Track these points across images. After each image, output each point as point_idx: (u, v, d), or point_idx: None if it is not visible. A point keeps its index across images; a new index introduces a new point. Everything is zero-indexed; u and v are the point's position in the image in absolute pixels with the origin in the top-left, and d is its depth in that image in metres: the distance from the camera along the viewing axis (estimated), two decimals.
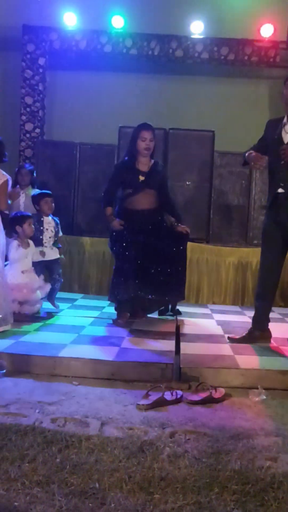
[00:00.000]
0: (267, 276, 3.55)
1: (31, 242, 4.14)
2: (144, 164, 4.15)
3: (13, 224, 4.06)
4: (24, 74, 6.50)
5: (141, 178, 4.09)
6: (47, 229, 4.35)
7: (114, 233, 4.10)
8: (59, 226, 4.49)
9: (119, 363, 3.01)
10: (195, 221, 5.69)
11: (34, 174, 5.37)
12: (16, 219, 4.09)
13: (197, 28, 6.36)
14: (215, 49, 6.40)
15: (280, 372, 2.96)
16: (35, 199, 4.50)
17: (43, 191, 4.62)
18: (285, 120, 3.38)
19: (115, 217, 4.14)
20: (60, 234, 4.54)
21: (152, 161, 4.21)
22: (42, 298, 4.16)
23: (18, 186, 5.23)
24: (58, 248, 4.48)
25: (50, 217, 4.40)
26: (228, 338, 3.66)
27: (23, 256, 4.02)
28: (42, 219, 4.35)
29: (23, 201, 5.12)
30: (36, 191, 5.31)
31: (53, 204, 4.47)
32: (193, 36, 6.39)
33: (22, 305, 3.91)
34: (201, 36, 6.39)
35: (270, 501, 1.72)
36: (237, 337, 3.62)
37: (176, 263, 4.10)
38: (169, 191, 4.39)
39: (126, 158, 4.19)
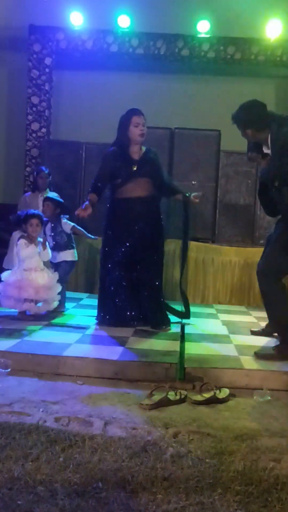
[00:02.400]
0: None
1: (40, 241, 4.13)
2: (135, 152, 3.88)
3: (20, 223, 4.11)
4: (30, 73, 6.52)
5: (134, 168, 3.84)
6: (49, 236, 4.36)
7: (106, 248, 3.96)
8: (64, 223, 4.41)
9: (123, 363, 3.01)
10: (201, 220, 5.69)
11: (50, 177, 5.39)
12: (21, 218, 4.11)
13: (203, 27, 6.35)
14: (222, 48, 6.39)
15: (284, 373, 2.95)
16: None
17: (47, 195, 4.59)
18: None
19: (107, 209, 3.97)
20: (69, 227, 4.40)
21: (144, 148, 3.96)
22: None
23: (36, 190, 5.25)
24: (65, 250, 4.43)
25: (50, 224, 4.37)
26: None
27: (27, 255, 4.03)
28: (46, 226, 4.34)
29: (41, 204, 5.14)
30: (53, 194, 5.32)
31: (52, 208, 4.38)
32: (199, 35, 6.38)
33: (26, 303, 3.93)
34: (208, 35, 6.38)
35: (273, 502, 1.71)
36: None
37: (149, 280, 3.91)
38: (164, 175, 4.10)
39: (114, 147, 3.92)
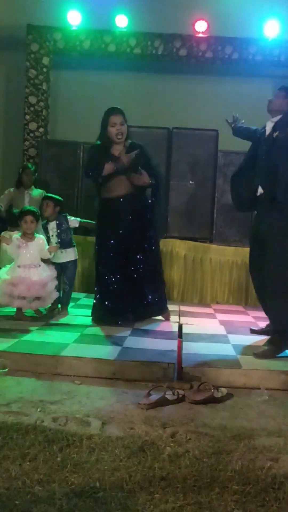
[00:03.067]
0: None
1: (39, 237, 4.13)
2: (117, 150, 3.88)
3: (16, 219, 4.18)
4: (28, 73, 6.52)
5: (114, 166, 3.81)
6: (52, 235, 4.35)
7: (97, 247, 4.03)
8: (68, 218, 4.41)
9: (121, 363, 3.01)
10: (199, 220, 5.70)
11: (36, 175, 5.40)
12: (16, 215, 4.20)
13: (201, 27, 6.36)
14: (219, 48, 6.40)
15: (282, 373, 2.95)
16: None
17: (45, 195, 4.59)
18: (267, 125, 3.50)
19: (97, 209, 4.02)
20: (76, 222, 4.39)
21: (128, 143, 3.92)
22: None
23: (22, 186, 5.26)
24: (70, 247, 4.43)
25: (53, 222, 4.36)
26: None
27: (21, 252, 4.04)
28: (47, 225, 4.34)
29: (27, 201, 5.15)
30: (38, 190, 5.34)
31: (52, 207, 4.39)
32: (197, 35, 6.39)
33: (18, 299, 3.94)
34: (205, 35, 6.38)
35: (271, 502, 1.72)
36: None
37: (153, 275, 4.02)
38: (153, 171, 3.98)
39: (98, 145, 3.94)
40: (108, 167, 3.82)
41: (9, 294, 3.92)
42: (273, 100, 3.52)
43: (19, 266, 4.00)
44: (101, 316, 3.97)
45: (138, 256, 3.94)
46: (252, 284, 3.88)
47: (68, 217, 4.39)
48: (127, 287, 3.93)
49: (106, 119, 3.83)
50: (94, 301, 4.06)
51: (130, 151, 3.88)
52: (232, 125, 3.90)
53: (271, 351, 3.26)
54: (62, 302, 4.33)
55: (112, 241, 3.92)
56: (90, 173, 3.95)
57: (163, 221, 5.66)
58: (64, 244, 4.32)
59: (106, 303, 3.94)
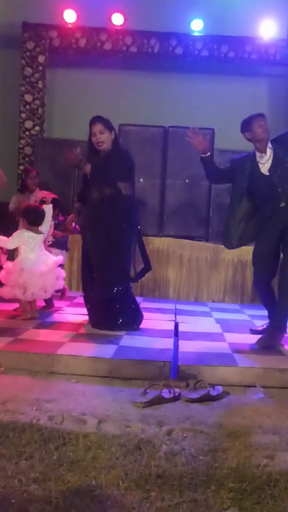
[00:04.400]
0: None
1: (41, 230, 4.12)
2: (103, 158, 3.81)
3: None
4: (23, 71, 6.50)
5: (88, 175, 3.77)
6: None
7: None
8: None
9: (117, 361, 3.01)
10: (195, 219, 5.70)
11: (38, 177, 5.38)
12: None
13: (197, 26, 6.36)
14: (215, 47, 6.40)
15: (277, 370, 2.96)
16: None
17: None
18: (258, 155, 3.58)
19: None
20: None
21: (109, 151, 3.80)
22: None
23: (27, 190, 5.22)
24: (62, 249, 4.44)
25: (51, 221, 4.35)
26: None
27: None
28: None
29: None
30: (43, 193, 5.31)
31: (56, 210, 4.40)
32: (193, 34, 6.39)
33: (15, 289, 3.91)
34: (201, 34, 6.38)
35: (266, 499, 1.72)
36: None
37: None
38: (112, 179, 3.75)
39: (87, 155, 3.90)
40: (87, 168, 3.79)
41: (13, 285, 3.89)
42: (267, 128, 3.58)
43: (20, 256, 4.00)
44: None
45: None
46: (259, 293, 3.87)
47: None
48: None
49: (89, 129, 3.84)
50: None
51: (108, 157, 3.80)
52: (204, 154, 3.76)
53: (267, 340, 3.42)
54: (46, 301, 4.33)
55: (84, 246, 3.92)
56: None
57: (158, 219, 5.67)
58: (58, 244, 4.33)
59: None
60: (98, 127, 3.80)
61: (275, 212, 3.57)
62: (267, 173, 3.56)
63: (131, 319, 3.82)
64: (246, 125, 3.60)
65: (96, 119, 3.83)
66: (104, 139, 3.79)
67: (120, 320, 3.76)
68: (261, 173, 3.58)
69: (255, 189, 3.63)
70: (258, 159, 3.60)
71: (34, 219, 3.97)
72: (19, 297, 3.92)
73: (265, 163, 3.57)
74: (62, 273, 4.12)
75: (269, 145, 3.57)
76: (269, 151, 3.56)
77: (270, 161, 3.55)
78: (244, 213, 3.67)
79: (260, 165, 3.58)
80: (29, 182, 5.20)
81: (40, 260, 3.94)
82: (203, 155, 3.74)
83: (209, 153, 3.74)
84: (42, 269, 3.90)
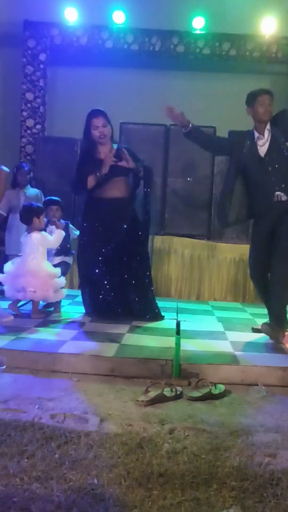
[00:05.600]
0: None
1: (44, 233, 4.13)
2: (103, 153, 3.91)
3: (30, 215, 4.05)
4: (25, 70, 6.49)
5: (104, 170, 3.84)
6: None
7: (81, 241, 4.04)
8: (70, 229, 4.46)
9: (118, 360, 3.00)
10: (196, 217, 5.70)
11: (32, 174, 5.38)
12: (33, 210, 4.08)
13: (198, 24, 6.34)
14: (217, 45, 6.39)
15: (280, 369, 2.96)
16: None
17: (51, 198, 4.54)
18: (256, 136, 3.52)
19: (84, 207, 4.05)
20: (75, 236, 4.46)
21: (115, 147, 3.95)
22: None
23: (17, 186, 5.23)
24: (72, 254, 4.45)
25: (53, 227, 4.33)
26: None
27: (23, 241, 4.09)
28: (45, 229, 4.32)
29: (23, 200, 5.13)
30: (35, 190, 5.34)
31: (60, 212, 4.41)
32: (194, 32, 6.37)
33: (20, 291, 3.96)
34: (203, 32, 6.37)
35: (268, 498, 1.72)
36: None
37: (139, 276, 3.98)
38: (141, 163, 3.97)
39: (83, 149, 3.99)
40: (91, 181, 3.86)
41: (11, 285, 3.93)
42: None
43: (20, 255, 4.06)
44: (88, 310, 4.05)
45: (124, 258, 3.93)
46: (256, 286, 3.88)
47: (70, 226, 4.41)
48: (111, 284, 3.93)
49: (89, 122, 3.86)
50: (82, 295, 4.13)
51: (115, 156, 3.88)
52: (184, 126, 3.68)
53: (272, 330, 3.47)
54: (53, 304, 4.33)
55: (96, 240, 3.93)
56: (77, 191, 4.10)
57: (160, 218, 5.67)
58: (61, 251, 4.32)
59: (93, 295, 4.00)
60: (101, 120, 3.82)
61: (269, 210, 3.52)
62: (262, 156, 3.48)
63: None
64: (250, 100, 3.51)
65: (99, 112, 3.86)
66: (107, 133, 3.82)
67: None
68: (258, 154, 3.49)
69: (250, 170, 3.54)
70: (256, 139, 3.52)
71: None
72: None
73: (262, 146, 3.48)
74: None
75: (268, 127, 3.49)
76: (267, 133, 3.48)
77: (267, 144, 3.47)
78: (239, 190, 3.58)
79: (258, 147, 3.50)
80: (19, 178, 5.21)
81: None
82: (184, 131, 3.66)
83: (190, 126, 3.63)
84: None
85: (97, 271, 3.90)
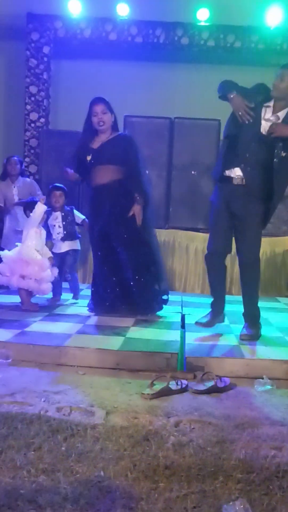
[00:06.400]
0: None
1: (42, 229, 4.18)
2: (100, 141, 3.88)
3: (26, 209, 4.24)
4: (28, 63, 6.47)
5: (88, 157, 3.85)
6: (54, 226, 4.37)
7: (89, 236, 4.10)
8: (75, 214, 4.47)
9: (124, 353, 3.01)
10: (201, 210, 5.67)
11: (23, 165, 5.39)
12: (29, 205, 4.23)
13: (203, 15, 6.28)
14: (221, 37, 6.33)
15: (285, 362, 2.96)
16: (47, 192, 4.53)
17: (55, 184, 4.56)
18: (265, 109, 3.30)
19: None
20: (81, 218, 4.47)
21: (116, 134, 3.92)
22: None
23: (8, 177, 5.23)
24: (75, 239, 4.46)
25: (58, 212, 4.38)
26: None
27: (38, 235, 4.11)
28: (50, 214, 4.37)
29: (15, 192, 5.14)
30: (26, 179, 5.37)
31: (64, 198, 4.45)
32: (199, 24, 6.32)
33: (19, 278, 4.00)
34: (207, 23, 6.31)
35: (274, 490, 1.72)
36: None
37: (138, 269, 3.89)
38: (136, 164, 3.88)
39: (82, 136, 3.98)
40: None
41: (9, 272, 3.99)
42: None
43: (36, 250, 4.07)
44: (94, 303, 4.03)
45: (119, 248, 3.89)
46: (213, 274, 3.70)
47: (75, 210, 4.43)
48: (112, 276, 3.93)
49: (89, 109, 3.89)
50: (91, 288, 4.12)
51: (110, 143, 3.87)
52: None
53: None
54: (72, 291, 4.39)
55: (95, 231, 3.95)
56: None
57: (164, 211, 5.65)
58: (68, 235, 4.35)
59: (99, 289, 3.99)
60: (100, 107, 3.84)
61: (231, 195, 3.36)
62: (258, 131, 3.25)
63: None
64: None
65: (99, 99, 3.89)
66: (106, 120, 3.83)
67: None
68: (257, 127, 3.26)
69: (239, 134, 3.32)
70: (264, 111, 3.28)
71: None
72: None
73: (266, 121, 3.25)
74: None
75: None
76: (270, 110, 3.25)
77: (268, 124, 3.24)
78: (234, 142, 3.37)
79: (263, 121, 3.27)
80: (8, 168, 5.21)
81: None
82: None
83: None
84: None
85: (96, 261, 3.96)
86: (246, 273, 3.49)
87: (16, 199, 5.08)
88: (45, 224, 4.32)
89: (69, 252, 4.40)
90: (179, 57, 6.59)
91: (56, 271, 4.16)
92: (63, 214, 4.38)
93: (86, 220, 4.38)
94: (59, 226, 4.36)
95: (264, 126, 3.29)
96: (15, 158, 5.32)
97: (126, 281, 3.91)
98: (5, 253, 4.11)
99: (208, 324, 3.52)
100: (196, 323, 3.49)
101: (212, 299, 3.65)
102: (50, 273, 4.07)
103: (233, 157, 3.35)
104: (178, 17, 6.30)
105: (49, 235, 4.32)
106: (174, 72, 6.61)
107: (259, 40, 6.32)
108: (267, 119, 3.30)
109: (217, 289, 3.64)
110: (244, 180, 3.34)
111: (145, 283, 3.94)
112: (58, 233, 4.36)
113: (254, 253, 3.45)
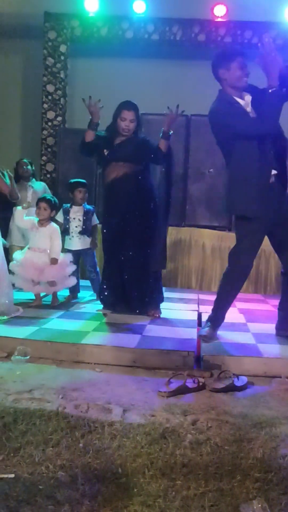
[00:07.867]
0: None
1: (52, 225, 4.16)
2: (119, 140, 3.88)
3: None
4: (45, 61, 6.51)
5: (106, 152, 3.84)
6: (74, 218, 4.39)
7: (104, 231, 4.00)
8: (94, 215, 4.51)
9: (141, 351, 3.02)
10: (218, 208, 5.64)
11: (33, 166, 5.42)
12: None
13: (219, 11, 6.24)
14: (238, 33, 6.28)
15: None
16: (69, 187, 4.54)
17: (78, 179, 4.58)
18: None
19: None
20: (95, 222, 4.50)
21: (135, 135, 3.90)
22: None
23: (21, 180, 5.27)
24: (89, 237, 4.48)
25: (80, 207, 4.41)
26: None
27: (32, 234, 4.14)
28: (70, 208, 4.40)
29: (30, 193, 5.18)
30: (39, 183, 5.40)
31: (87, 194, 4.49)
32: (216, 20, 6.28)
33: (34, 284, 4.04)
34: (224, 20, 6.27)
35: None
36: None
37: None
38: (153, 149, 3.83)
39: (105, 130, 3.97)
40: (89, 133, 3.96)
41: (22, 277, 4.00)
42: None
43: (29, 248, 4.11)
44: (104, 297, 3.97)
45: (130, 241, 3.84)
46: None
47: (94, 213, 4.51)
48: (121, 273, 3.89)
49: (119, 111, 3.85)
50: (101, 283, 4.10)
51: (127, 141, 3.85)
52: None
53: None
54: (94, 290, 4.43)
55: (109, 225, 3.90)
56: (80, 148, 4.07)
57: (181, 209, 5.64)
58: (86, 231, 4.39)
59: (108, 284, 3.94)
60: (132, 114, 3.83)
61: None
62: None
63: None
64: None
65: (132, 106, 3.86)
66: (132, 128, 3.82)
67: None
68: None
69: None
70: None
71: None
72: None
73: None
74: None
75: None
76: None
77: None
78: None
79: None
80: (19, 171, 5.26)
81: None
82: None
83: None
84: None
85: (110, 256, 3.91)
86: None
87: (30, 200, 5.12)
88: (65, 220, 4.37)
89: (88, 251, 4.43)
90: (196, 54, 6.54)
91: (73, 267, 4.18)
92: (85, 209, 4.42)
93: (99, 225, 4.41)
94: (79, 220, 4.38)
95: None
96: (24, 161, 5.37)
97: (136, 277, 3.88)
98: (16, 257, 4.11)
99: (212, 338, 3.29)
100: (199, 336, 3.31)
101: (214, 313, 3.41)
102: (69, 272, 4.12)
103: None
104: (194, 14, 6.26)
105: (63, 232, 4.33)
106: (191, 69, 6.57)
107: (277, 35, 6.23)
108: None
109: (230, 305, 3.52)
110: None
111: (155, 279, 3.94)
112: (76, 226, 4.38)
113: None
